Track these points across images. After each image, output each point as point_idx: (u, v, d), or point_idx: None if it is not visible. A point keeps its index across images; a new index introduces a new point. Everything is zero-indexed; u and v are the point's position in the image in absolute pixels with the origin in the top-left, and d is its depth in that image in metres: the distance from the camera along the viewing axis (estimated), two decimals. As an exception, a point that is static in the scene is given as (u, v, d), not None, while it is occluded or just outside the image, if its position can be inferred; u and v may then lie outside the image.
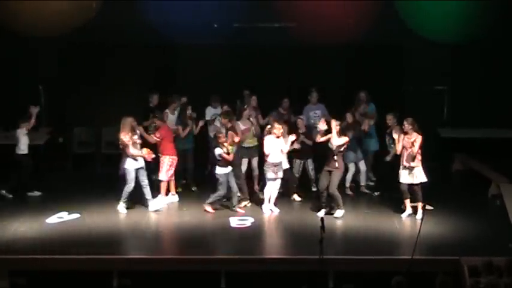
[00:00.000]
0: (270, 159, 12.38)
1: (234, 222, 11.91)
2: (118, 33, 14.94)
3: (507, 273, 8.69)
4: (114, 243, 11.07)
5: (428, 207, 12.01)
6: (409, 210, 12.09)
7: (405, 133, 12.05)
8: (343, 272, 10.01)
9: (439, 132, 15.55)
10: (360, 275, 9.87)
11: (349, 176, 13.48)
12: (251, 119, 13.46)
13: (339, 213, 12.10)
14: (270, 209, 12.46)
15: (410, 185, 11.97)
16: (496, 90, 15.66)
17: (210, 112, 14.26)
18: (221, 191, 12.36)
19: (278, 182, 12.49)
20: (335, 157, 12.05)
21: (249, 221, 11.95)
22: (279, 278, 10.17)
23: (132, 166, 12.24)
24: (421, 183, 11.96)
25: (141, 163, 12.34)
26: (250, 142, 13.32)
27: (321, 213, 12.02)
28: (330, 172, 12.11)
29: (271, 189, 12.45)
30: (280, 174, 12.46)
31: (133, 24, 14.74)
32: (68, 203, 12.63)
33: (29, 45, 15.04)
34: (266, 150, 12.34)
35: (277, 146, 12.37)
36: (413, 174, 11.94)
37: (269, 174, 12.41)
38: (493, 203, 12.84)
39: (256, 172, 13.53)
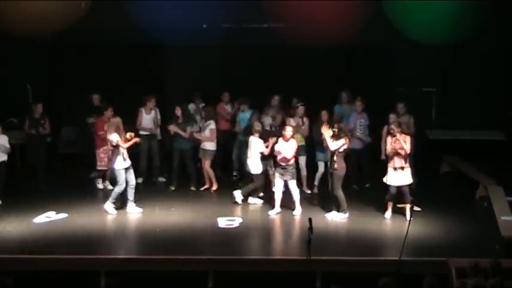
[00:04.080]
0: (280, 162, 12.29)
1: (222, 222, 11.91)
2: (107, 34, 14.91)
3: (493, 274, 8.72)
4: (102, 243, 11.04)
5: (416, 208, 12.08)
6: (390, 212, 12.13)
7: (393, 136, 12.06)
8: (331, 273, 10.02)
9: (427, 134, 15.58)
10: (347, 276, 9.88)
11: (318, 175, 13.58)
12: (304, 119, 13.51)
13: (341, 215, 12.07)
14: (293, 213, 12.29)
15: (399, 187, 11.97)
16: (484, 92, 15.72)
17: (192, 108, 14.28)
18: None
19: (292, 183, 12.34)
20: (334, 158, 11.99)
21: (237, 222, 11.95)
22: (266, 278, 10.16)
23: (121, 166, 12.20)
24: (409, 184, 12.01)
25: (129, 163, 12.30)
26: (299, 141, 13.10)
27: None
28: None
29: (281, 191, 12.33)
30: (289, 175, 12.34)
31: (122, 25, 14.70)
32: (55, 202, 12.59)
33: (17, 45, 14.98)
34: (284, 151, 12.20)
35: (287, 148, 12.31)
36: (404, 176, 11.95)
37: (277, 176, 12.30)
38: (480, 204, 12.89)
39: (304, 172, 13.53)
